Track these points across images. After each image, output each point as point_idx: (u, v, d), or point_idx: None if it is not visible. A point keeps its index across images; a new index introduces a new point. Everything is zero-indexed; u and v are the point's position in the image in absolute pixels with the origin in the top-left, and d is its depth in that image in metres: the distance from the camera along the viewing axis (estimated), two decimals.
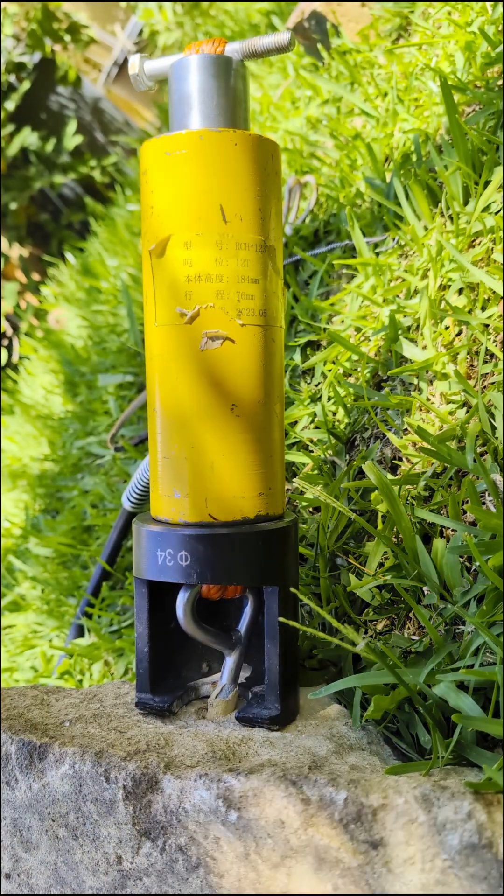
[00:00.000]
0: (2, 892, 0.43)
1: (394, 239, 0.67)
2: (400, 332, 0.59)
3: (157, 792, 0.38)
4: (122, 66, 4.57)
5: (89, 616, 0.82)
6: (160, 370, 0.43)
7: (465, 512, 0.47)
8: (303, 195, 0.89)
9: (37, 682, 0.81)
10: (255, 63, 1.53)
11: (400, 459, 0.54)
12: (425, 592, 0.45)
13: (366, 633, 0.49)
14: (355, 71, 0.89)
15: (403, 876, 0.33)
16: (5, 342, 2.87)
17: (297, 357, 0.70)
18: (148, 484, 0.68)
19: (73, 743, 0.41)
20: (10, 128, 2.94)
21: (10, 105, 2.93)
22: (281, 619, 0.43)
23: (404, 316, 0.60)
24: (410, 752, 0.42)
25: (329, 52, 1.04)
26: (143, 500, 0.73)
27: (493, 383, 0.50)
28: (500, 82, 0.64)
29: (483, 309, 0.54)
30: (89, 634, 0.80)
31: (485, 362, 0.51)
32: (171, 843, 0.38)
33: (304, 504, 0.58)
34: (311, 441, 0.63)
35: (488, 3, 0.69)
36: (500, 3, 0.67)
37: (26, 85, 3.01)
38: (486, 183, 0.57)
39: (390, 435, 0.53)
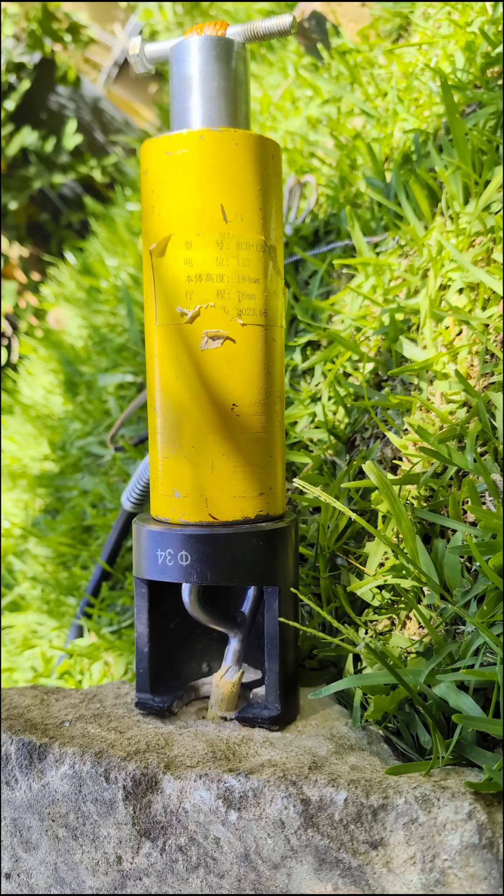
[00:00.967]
0: (2, 892, 0.43)
1: (394, 239, 0.67)
2: (400, 332, 0.59)
3: (157, 792, 0.38)
4: (123, 66, 4.57)
5: (89, 616, 0.82)
6: (161, 370, 0.43)
7: (465, 512, 0.47)
8: (303, 195, 0.89)
9: (36, 682, 0.81)
10: (255, 63, 1.53)
11: (400, 459, 0.54)
12: (425, 592, 0.45)
13: (366, 633, 0.49)
14: (355, 71, 0.89)
15: (404, 876, 0.33)
16: (5, 342, 2.87)
17: (298, 357, 0.70)
18: (148, 484, 0.68)
19: (73, 743, 0.41)
20: (9, 127, 2.93)
21: (10, 105, 2.93)
22: (281, 619, 0.43)
23: (404, 316, 0.60)
24: (410, 752, 0.42)
25: (329, 52, 1.04)
26: (143, 500, 0.73)
27: (494, 383, 0.50)
28: (500, 82, 0.64)
29: (483, 309, 0.54)
30: (89, 634, 0.80)
31: (485, 362, 0.51)
32: (171, 843, 0.38)
33: (305, 504, 0.58)
34: (311, 441, 0.63)
35: (488, 3, 0.69)
36: (501, 3, 0.67)
37: (26, 85, 3.00)
38: (486, 183, 0.57)
39: (390, 435, 0.53)
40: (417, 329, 0.59)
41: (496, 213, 0.56)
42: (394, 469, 0.54)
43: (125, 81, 4.56)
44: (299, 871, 0.35)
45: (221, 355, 0.42)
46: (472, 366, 0.53)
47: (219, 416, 0.42)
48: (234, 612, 0.47)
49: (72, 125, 3.13)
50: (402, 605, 0.48)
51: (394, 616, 0.48)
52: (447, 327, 0.56)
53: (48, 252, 3.13)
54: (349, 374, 0.65)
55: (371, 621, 0.49)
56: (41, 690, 0.50)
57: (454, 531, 0.46)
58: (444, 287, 0.58)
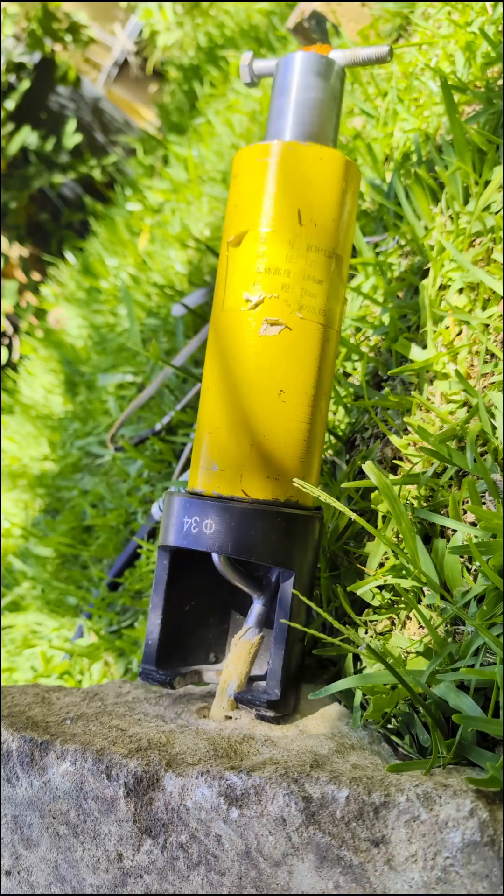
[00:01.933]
0: (2, 890, 0.43)
1: (394, 239, 0.67)
2: (400, 331, 0.59)
3: (158, 789, 0.38)
4: (123, 66, 4.57)
5: (89, 616, 0.82)
6: (219, 350, 0.46)
7: (465, 512, 0.47)
8: None
9: (36, 681, 0.81)
10: None
11: (400, 459, 0.54)
12: (425, 592, 0.45)
13: (366, 632, 0.49)
14: (355, 70, 0.89)
15: (405, 874, 0.33)
16: (5, 341, 2.87)
17: None
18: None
19: (74, 740, 0.41)
20: (9, 127, 2.94)
21: (10, 104, 2.93)
22: (294, 593, 0.44)
23: (404, 316, 0.61)
24: (411, 752, 0.42)
25: None
26: None
27: (494, 383, 0.50)
28: (500, 82, 0.64)
29: (483, 309, 0.54)
30: (89, 634, 0.80)
31: (485, 362, 0.51)
32: (172, 840, 0.38)
33: None
34: None
35: (488, 3, 0.69)
36: (501, 3, 0.67)
37: (26, 84, 3.00)
38: (486, 183, 0.57)
39: (390, 435, 0.53)
40: (417, 329, 0.59)
41: (496, 212, 0.56)
42: (394, 469, 0.54)
43: (125, 81, 4.56)
44: (300, 869, 0.35)
45: (277, 342, 0.45)
46: (471, 366, 0.53)
47: (266, 398, 0.45)
48: (262, 576, 0.48)
49: (72, 125, 3.13)
50: (402, 605, 0.48)
51: (394, 616, 0.48)
52: (447, 327, 0.56)
53: (48, 252, 3.14)
54: (349, 374, 0.65)
55: (371, 621, 0.49)
56: (42, 689, 0.50)
57: (454, 531, 0.46)
58: (444, 287, 0.58)
